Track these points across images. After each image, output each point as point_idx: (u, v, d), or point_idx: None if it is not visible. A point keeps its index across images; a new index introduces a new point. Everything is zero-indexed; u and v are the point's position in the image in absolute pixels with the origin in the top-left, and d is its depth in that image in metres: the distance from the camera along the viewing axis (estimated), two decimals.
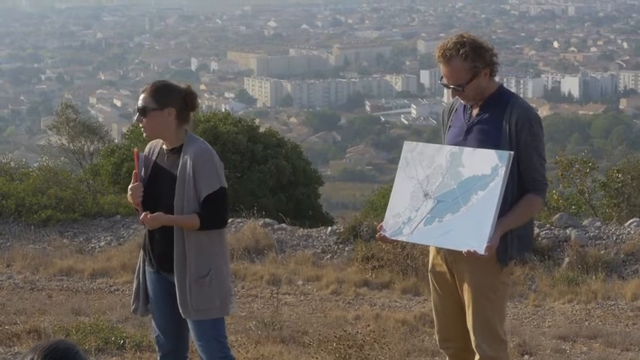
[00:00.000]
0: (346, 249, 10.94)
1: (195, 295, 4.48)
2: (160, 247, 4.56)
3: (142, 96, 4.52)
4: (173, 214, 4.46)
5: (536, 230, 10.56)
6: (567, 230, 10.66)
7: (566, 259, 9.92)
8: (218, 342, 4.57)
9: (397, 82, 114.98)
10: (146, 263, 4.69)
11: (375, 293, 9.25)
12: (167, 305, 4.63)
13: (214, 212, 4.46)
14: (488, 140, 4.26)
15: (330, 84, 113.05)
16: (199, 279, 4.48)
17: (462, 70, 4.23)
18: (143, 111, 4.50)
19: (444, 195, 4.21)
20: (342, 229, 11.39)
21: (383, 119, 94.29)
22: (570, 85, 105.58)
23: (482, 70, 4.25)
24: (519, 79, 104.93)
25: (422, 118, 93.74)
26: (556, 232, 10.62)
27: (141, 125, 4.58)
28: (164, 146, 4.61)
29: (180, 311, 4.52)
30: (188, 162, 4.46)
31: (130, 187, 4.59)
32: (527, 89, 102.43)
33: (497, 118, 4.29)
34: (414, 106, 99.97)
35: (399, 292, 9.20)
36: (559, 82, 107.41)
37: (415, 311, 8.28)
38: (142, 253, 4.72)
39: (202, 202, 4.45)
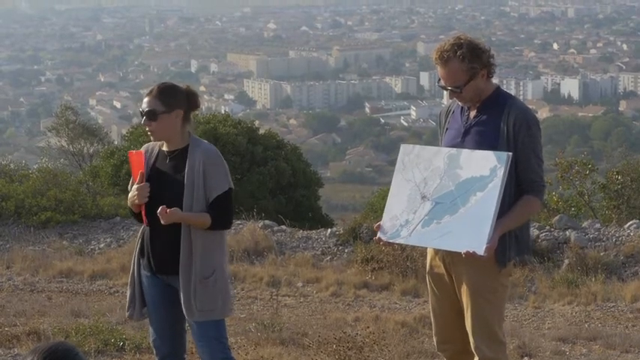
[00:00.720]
0: (346, 251, 10.94)
1: (200, 296, 4.46)
2: (164, 247, 4.50)
3: (147, 99, 4.43)
4: None
5: (536, 232, 10.56)
6: (567, 232, 10.66)
7: (566, 261, 9.92)
8: (219, 343, 4.57)
9: (397, 84, 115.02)
10: (142, 267, 4.63)
11: (375, 295, 9.24)
12: (164, 309, 4.62)
13: (223, 213, 4.46)
14: (486, 142, 4.26)
15: (329, 86, 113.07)
16: (204, 279, 4.47)
17: (459, 72, 4.23)
18: (152, 114, 4.41)
19: (441, 197, 4.20)
20: (341, 231, 11.39)
21: (382, 121, 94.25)
22: (570, 86, 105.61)
23: (479, 71, 4.26)
24: (519, 80, 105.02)
25: (421, 119, 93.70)
26: (556, 234, 10.62)
27: (148, 129, 4.48)
28: (164, 148, 4.56)
29: (184, 312, 4.50)
30: (197, 163, 4.43)
31: (135, 187, 4.49)
32: (527, 91, 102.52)
33: (494, 120, 4.30)
34: (414, 108, 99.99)
35: (398, 293, 9.20)
36: (559, 84, 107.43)
37: (415, 313, 8.27)
38: (135, 257, 4.65)
39: (212, 202, 4.43)
